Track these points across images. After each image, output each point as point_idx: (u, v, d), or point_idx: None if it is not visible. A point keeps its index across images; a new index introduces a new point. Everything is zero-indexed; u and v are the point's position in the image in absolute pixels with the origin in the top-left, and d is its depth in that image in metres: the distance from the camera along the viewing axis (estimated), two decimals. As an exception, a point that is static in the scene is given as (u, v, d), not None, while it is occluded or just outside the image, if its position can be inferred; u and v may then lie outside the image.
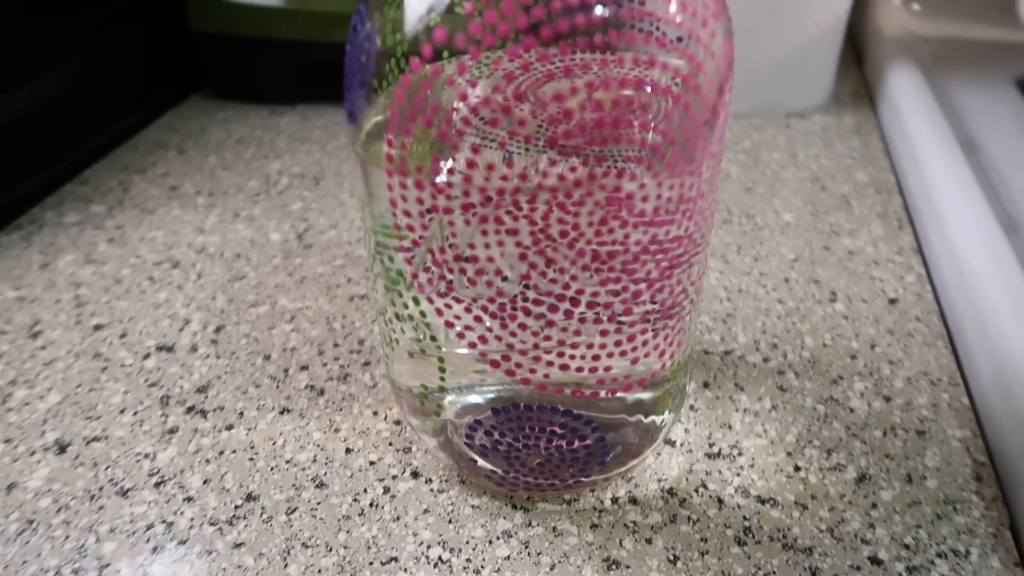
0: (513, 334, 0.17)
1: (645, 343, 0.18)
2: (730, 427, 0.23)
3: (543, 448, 0.19)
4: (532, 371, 0.18)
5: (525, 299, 0.17)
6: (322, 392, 0.25)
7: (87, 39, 0.38)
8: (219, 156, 0.39)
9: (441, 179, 0.15)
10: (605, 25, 0.14)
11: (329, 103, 0.44)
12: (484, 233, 0.16)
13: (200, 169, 0.38)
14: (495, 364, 0.18)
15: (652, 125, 0.15)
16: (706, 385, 0.25)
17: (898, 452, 0.22)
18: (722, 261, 0.30)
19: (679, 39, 0.15)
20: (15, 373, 0.26)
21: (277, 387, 0.25)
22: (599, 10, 0.14)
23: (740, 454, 0.22)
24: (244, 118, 0.43)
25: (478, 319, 0.17)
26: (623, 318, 0.17)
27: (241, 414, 0.24)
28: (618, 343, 0.17)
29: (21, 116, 0.35)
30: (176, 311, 0.29)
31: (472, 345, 0.18)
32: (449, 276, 0.17)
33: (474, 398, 0.19)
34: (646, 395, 0.19)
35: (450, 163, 0.15)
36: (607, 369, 0.18)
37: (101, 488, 0.22)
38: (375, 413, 0.24)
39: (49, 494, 0.22)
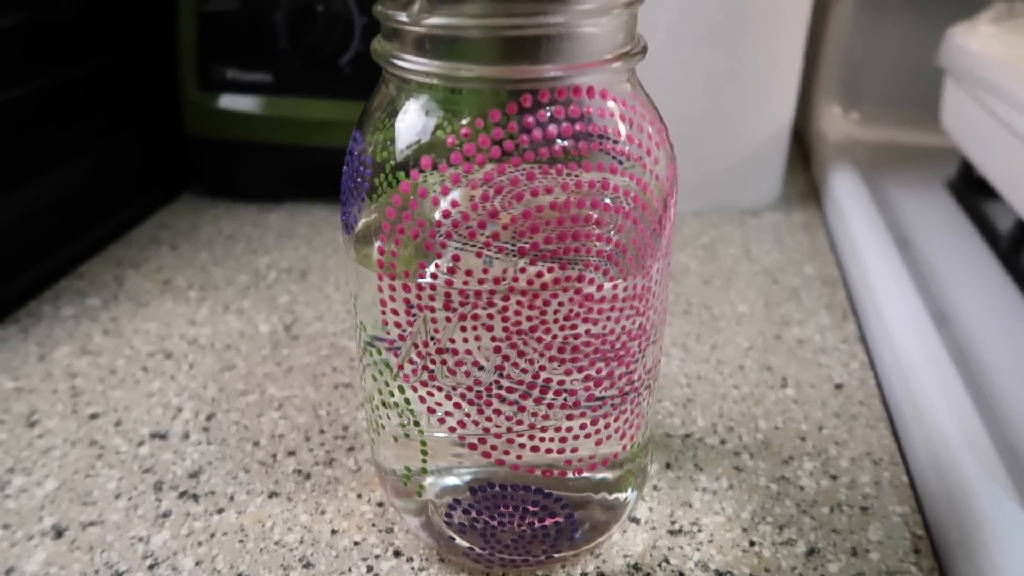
0: (489, 419, 0.19)
1: (607, 426, 0.20)
2: (690, 505, 0.25)
3: (516, 526, 0.21)
4: (506, 452, 0.20)
5: (499, 387, 0.19)
6: (308, 476, 0.27)
7: (86, 144, 0.41)
8: (210, 251, 0.41)
9: (425, 281, 0.18)
10: (565, 154, 0.17)
11: (315, 201, 0.47)
12: (463, 329, 0.18)
13: (192, 264, 0.40)
14: (472, 447, 0.20)
15: (607, 237, 0.17)
16: (668, 466, 0.27)
17: (844, 527, 0.24)
18: (683, 349, 0.33)
19: (628, 162, 0.18)
20: (13, 461, 0.27)
21: (266, 472, 0.27)
22: (560, 143, 0.17)
23: (700, 530, 0.24)
24: (234, 216, 0.45)
25: (457, 405, 0.19)
26: (586, 403, 0.19)
27: (232, 498, 0.26)
28: (583, 426, 0.20)
29: (21, 215, 0.37)
30: (169, 400, 0.30)
31: (452, 429, 0.20)
32: (431, 367, 0.19)
33: (453, 479, 0.21)
34: (610, 474, 0.21)
35: (433, 268, 0.18)
36: (574, 451, 0.20)
37: (97, 571, 0.23)
38: (359, 496, 0.26)
39: (47, 577, 0.23)
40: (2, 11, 0.36)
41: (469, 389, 0.19)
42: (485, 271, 0.17)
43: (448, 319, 0.18)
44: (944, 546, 0.24)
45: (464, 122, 0.17)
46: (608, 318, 0.18)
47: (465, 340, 0.18)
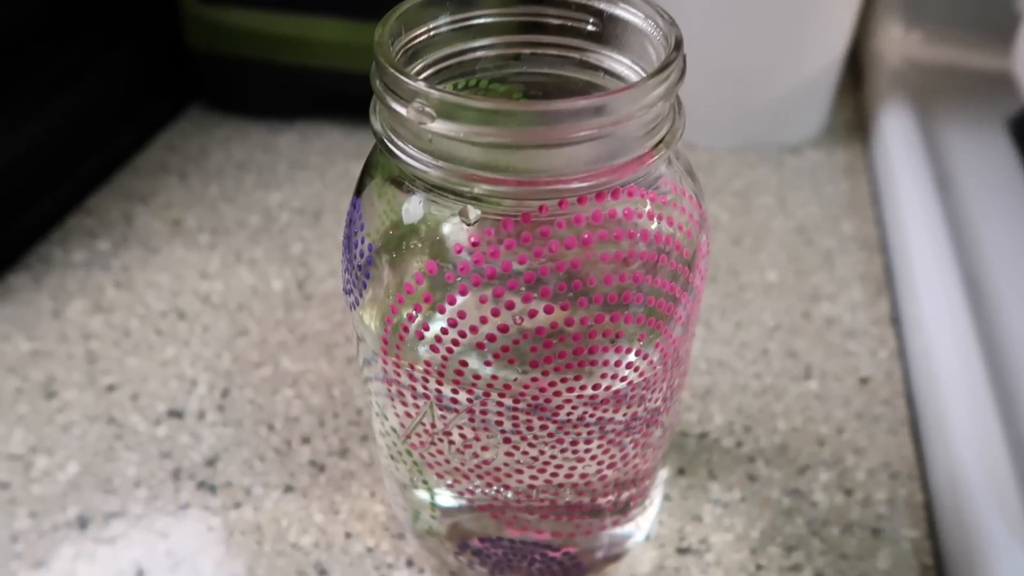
0: (499, 492, 0.19)
1: (619, 499, 0.20)
2: (701, 520, 0.25)
3: (526, 567, 0.21)
4: (516, 518, 0.19)
5: (509, 467, 0.18)
6: (323, 468, 0.27)
7: (84, 65, 0.38)
8: (220, 184, 0.40)
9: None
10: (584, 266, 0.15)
11: (327, 121, 0.44)
12: (471, 420, 0.17)
13: (201, 200, 0.39)
14: (482, 509, 0.20)
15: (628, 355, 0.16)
16: (682, 471, 0.27)
17: (853, 552, 0.24)
18: (706, 327, 0.32)
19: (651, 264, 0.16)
20: (36, 439, 0.28)
21: (281, 462, 0.27)
22: (577, 253, 0.15)
23: (708, 550, 0.24)
24: (244, 137, 0.43)
25: (466, 477, 0.19)
26: (598, 482, 0.19)
27: (248, 491, 0.26)
28: (594, 502, 0.19)
29: (22, 146, 0.36)
30: (184, 371, 0.30)
31: (460, 494, 0.19)
32: (439, 443, 0.18)
33: (463, 527, 0.21)
34: (621, 519, 0.21)
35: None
36: (584, 528, 0.20)
37: (121, 571, 0.24)
38: (372, 494, 0.26)
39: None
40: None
41: (478, 467, 0.18)
42: (488, 364, 0.16)
43: (455, 410, 0.17)
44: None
45: (473, 220, 0.15)
46: (623, 412, 0.17)
47: (473, 429, 0.17)
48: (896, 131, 0.40)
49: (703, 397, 0.29)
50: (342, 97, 0.42)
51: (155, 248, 0.36)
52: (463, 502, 0.20)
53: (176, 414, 0.29)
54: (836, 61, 0.40)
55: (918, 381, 0.29)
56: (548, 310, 0.15)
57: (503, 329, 0.15)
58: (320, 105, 0.43)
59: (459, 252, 0.15)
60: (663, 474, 0.23)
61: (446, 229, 0.15)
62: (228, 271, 0.35)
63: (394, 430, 0.19)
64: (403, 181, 0.16)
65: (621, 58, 0.17)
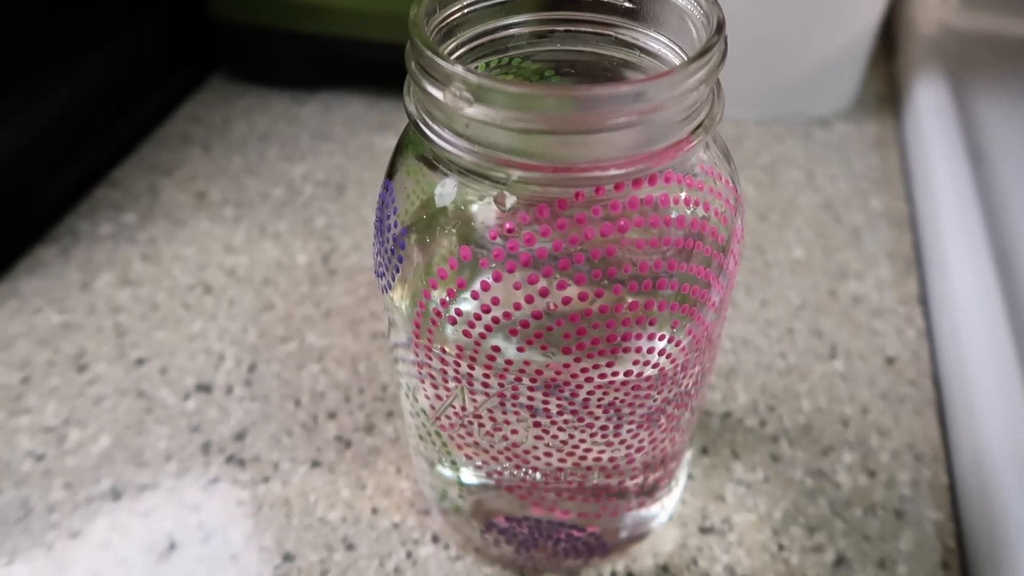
0: (526, 474, 0.19)
1: (647, 478, 0.20)
2: (723, 499, 0.25)
3: (551, 547, 0.21)
4: (542, 498, 0.20)
5: (538, 451, 0.18)
6: (349, 444, 0.27)
7: (108, 33, 0.38)
8: (243, 156, 0.40)
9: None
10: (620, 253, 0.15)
11: (350, 91, 0.44)
12: (501, 404, 0.17)
13: (225, 172, 0.39)
14: (509, 490, 0.20)
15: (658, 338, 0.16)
16: (705, 451, 0.27)
17: (875, 534, 0.24)
18: (731, 306, 0.32)
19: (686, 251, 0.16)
20: (68, 412, 0.28)
21: (308, 437, 0.27)
22: (615, 239, 0.15)
23: (731, 529, 0.25)
24: (267, 107, 0.43)
25: (494, 459, 0.19)
26: (626, 465, 0.19)
27: (276, 466, 0.27)
28: (622, 485, 0.19)
29: (48, 116, 0.36)
30: (211, 345, 0.31)
31: (488, 475, 0.20)
32: (469, 426, 0.18)
33: (489, 506, 0.21)
34: (648, 499, 0.21)
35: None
36: (610, 510, 0.20)
37: (155, 541, 0.24)
38: (398, 470, 0.26)
39: (108, 548, 0.24)
40: None
41: (507, 449, 0.18)
42: (521, 349, 0.16)
43: (486, 395, 0.17)
44: (973, 559, 0.24)
45: (509, 207, 0.15)
46: (653, 397, 0.17)
47: (504, 412, 0.17)
48: (929, 103, 0.39)
49: (727, 376, 0.29)
50: (365, 66, 0.42)
51: (180, 221, 0.36)
52: (490, 482, 0.20)
53: (204, 388, 0.29)
54: (870, 29, 0.39)
55: (945, 362, 0.29)
56: (582, 297, 0.15)
57: (537, 315, 0.15)
58: (342, 75, 0.43)
59: (494, 238, 0.15)
60: (688, 455, 0.23)
61: (480, 214, 0.15)
62: (253, 245, 0.35)
63: (423, 411, 0.19)
64: (434, 161, 0.16)
65: (658, 36, 0.17)
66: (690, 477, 0.26)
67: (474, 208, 0.15)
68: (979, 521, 0.24)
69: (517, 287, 0.15)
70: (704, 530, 0.25)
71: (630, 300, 0.15)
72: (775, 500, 0.25)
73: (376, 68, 0.42)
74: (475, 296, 0.15)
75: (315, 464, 0.27)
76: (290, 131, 0.41)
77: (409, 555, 0.24)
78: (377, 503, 0.25)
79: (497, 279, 0.15)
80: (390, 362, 0.30)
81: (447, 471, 0.21)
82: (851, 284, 0.33)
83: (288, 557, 0.24)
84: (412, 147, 0.17)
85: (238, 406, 0.28)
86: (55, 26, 0.36)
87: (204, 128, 0.42)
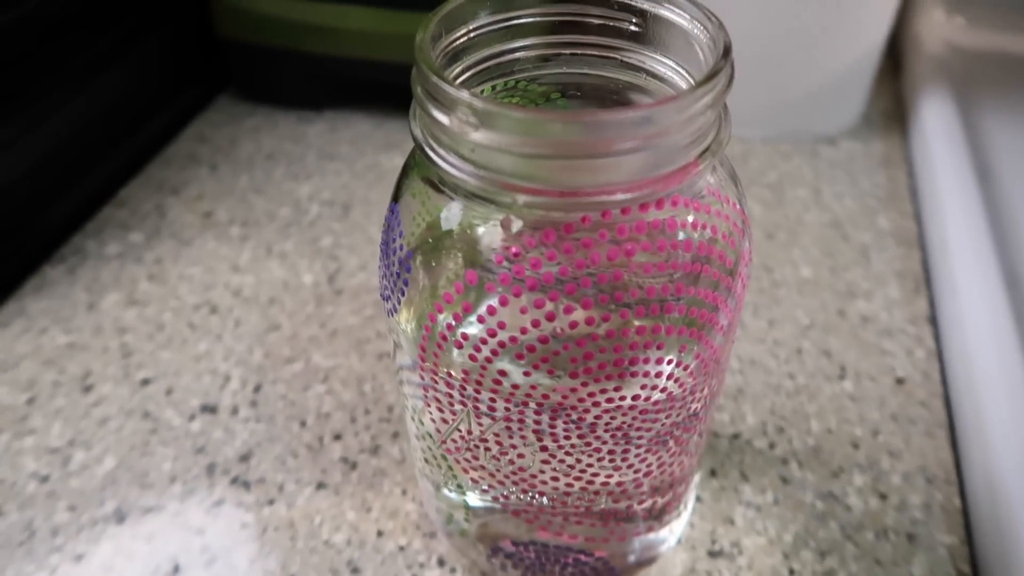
0: (533, 498, 0.19)
1: (654, 505, 0.19)
2: (733, 522, 0.25)
3: (558, 571, 0.21)
4: (549, 522, 0.19)
5: (544, 475, 0.18)
6: (355, 465, 0.27)
7: (117, 52, 0.39)
8: (250, 175, 0.40)
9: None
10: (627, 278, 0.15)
11: (357, 111, 0.44)
12: (507, 429, 0.17)
13: (232, 191, 0.39)
14: (516, 514, 0.20)
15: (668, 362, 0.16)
16: (713, 473, 0.26)
17: (887, 558, 0.24)
18: (738, 326, 0.31)
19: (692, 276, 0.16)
20: (73, 433, 0.28)
21: (313, 459, 0.27)
22: (620, 263, 0.15)
23: (740, 553, 0.24)
24: (273, 127, 0.43)
25: (501, 483, 0.19)
26: (635, 490, 0.19)
27: (281, 488, 0.26)
28: (630, 509, 0.19)
29: (56, 134, 0.36)
30: (216, 366, 0.30)
31: (495, 499, 0.19)
32: (475, 450, 0.18)
33: (495, 530, 0.21)
34: (656, 524, 0.21)
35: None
36: (618, 534, 0.20)
37: (159, 565, 0.24)
38: (404, 492, 0.26)
39: (112, 571, 0.24)
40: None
41: (513, 473, 0.18)
42: (527, 373, 0.16)
43: (492, 419, 0.17)
44: (988, 584, 0.23)
45: (515, 231, 0.15)
46: (661, 421, 0.17)
47: (510, 436, 0.17)
48: (936, 121, 0.39)
49: (735, 397, 0.29)
50: (371, 86, 0.42)
51: (187, 240, 0.36)
52: (497, 505, 0.20)
53: (210, 409, 0.29)
54: (876, 47, 0.39)
55: (956, 382, 0.29)
56: (589, 321, 0.15)
57: (543, 340, 0.15)
58: (349, 94, 0.43)
59: (500, 263, 0.15)
60: (697, 478, 0.23)
61: (486, 238, 0.15)
62: (259, 264, 0.35)
63: (429, 434, 0.19)
64: (440, 185, 0.16)
65: (664, 59, 0.17)
66: (698, 500, 0.26)
67: (480, 232, 0.15)
68: (993, 545, 0.24)
69: (523, 311, 0.15)
70: (713, 554, 0.24)
71: (637, 324, 0.15)
72: (785, 523, 0.25)
73: (382, 88, 0.42)
74: (481, 320, 0.15)
75: (320, 486, 0.26)
76: (296, 151, 0.42)
77: (415, 579, 0.24)
78: (383, 525, 0.25)
79: (503, 303, 0.15)
80: (396, 385, 0.30)
81: (453, 494, 0.20)
82: (860, 303, 0.32)
83: (292, 581, 0.24)
84: (418, 170, 0.17)
85: (243, 427, 0.28)
86: (63, 46, 0.36)
87: (211, 148, 0.42)
